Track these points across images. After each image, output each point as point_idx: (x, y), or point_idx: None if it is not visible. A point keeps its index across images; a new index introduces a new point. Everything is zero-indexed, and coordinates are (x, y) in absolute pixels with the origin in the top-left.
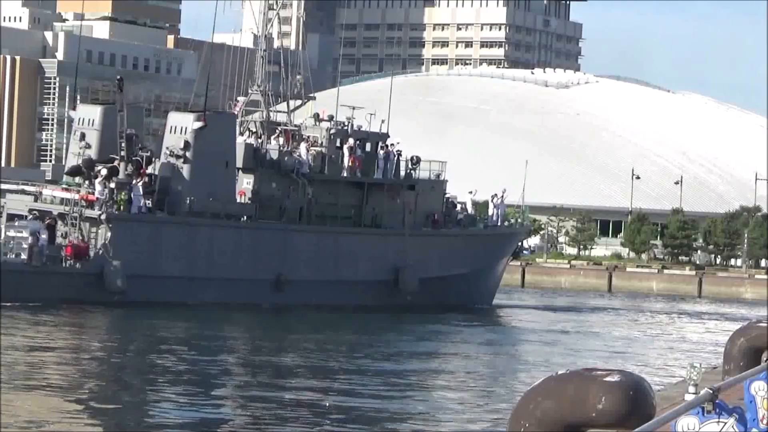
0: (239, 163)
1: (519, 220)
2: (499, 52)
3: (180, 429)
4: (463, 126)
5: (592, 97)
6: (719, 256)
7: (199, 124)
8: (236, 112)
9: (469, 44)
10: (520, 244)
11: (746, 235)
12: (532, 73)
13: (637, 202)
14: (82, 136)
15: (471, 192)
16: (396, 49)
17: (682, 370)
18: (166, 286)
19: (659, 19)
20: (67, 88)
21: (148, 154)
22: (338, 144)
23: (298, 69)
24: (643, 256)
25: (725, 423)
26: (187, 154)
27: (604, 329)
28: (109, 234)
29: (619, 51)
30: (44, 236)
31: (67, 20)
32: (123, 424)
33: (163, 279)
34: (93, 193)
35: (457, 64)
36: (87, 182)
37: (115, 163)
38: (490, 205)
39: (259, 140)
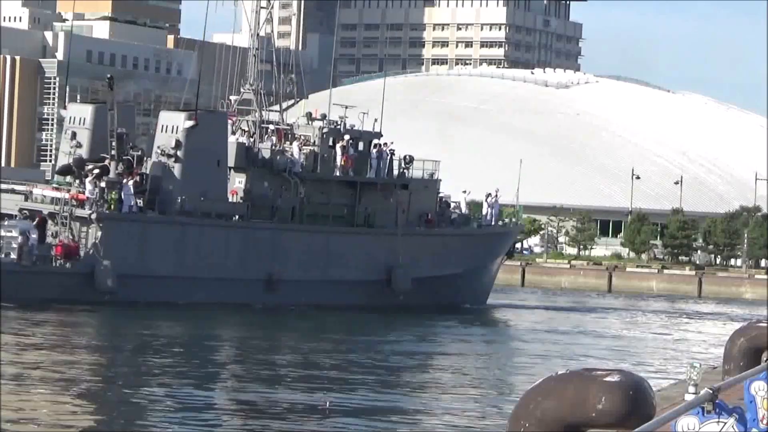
0: (231, 163)
1: (513, 220)
2: (499, 52)
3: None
4: (462, 126)
5: (592, 97)
6: (719, 256)
7: (190, 123)
8: (228, 112)
9: (469, 44)
10: (520, 244)
11: (746, 235)
12: (532, 73)
13: (637, 202)
14: (73, 135)
15: (465, 191)
16: (396, 49)
17: (682, 370)
18: (156, 286)
19: (659, 19)
20: (67, 88)
21: (139, 153)
22: (331, 143)
23: (290, 68)
24: (643, 256)
25: (725, 423)
26: (179, 153)
27: (604, 329)
28: (99, 233)
29: (619, 51)
30: (34, 236)
31: (67, 20)
32: (112, 424)
33: (153, 279)
34: (83, 193)
35: (457, 64)
36: (77, 181)
37: (106, 162)
38: (484, 205)
39: (252, 139)
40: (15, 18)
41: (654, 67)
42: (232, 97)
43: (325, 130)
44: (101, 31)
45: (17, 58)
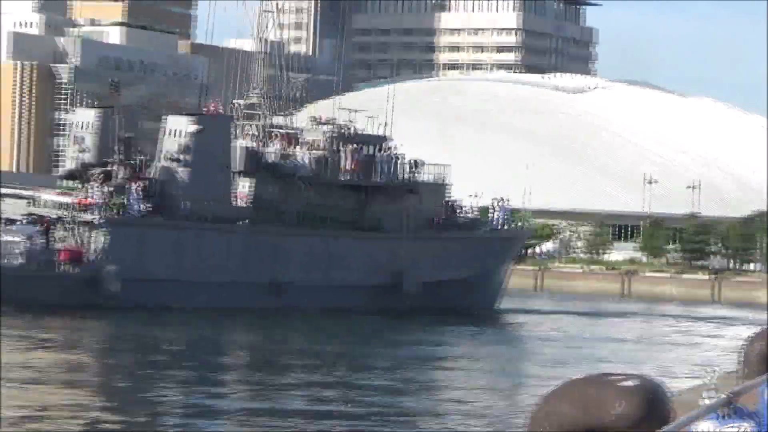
0: (238, 167)
1: (522, 224)
2: (512, 57)
3: None
4: (475, 130)
5: (606, 101)
6: (735, 261)
7: (195, 127)
8: (232, 115)
9: (482, 49)
10: (538, 248)
11: (763, 239)
12: (546, 77)
13: (652, 206)
14: (79, 140)
15: (473, 196)
16: (410, 54)
17: (699, 375)
18: (162, 290)
19: (673, 23)
20: (79, 94)
21: (146, 157)
22: (338, 147)
23: (297, 71)
24: (659, 260)
25: (743, 428)
26: (185, 157)
27: (620, 333)
28: (105, 238)
29: (632, 55)
30: (39, 240)
31: (81, 26)
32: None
33: (158, 283)
34: (89, 197)
35: (470, 69)
36: (83, 186)
37: (111, 166)
38: (492, 209)
39: (259, 144)
40: (28, 23)
41: (668, 71)
42: (238, 101)
43: (332, 134)
44: (114, 36)
45: (30, 63)
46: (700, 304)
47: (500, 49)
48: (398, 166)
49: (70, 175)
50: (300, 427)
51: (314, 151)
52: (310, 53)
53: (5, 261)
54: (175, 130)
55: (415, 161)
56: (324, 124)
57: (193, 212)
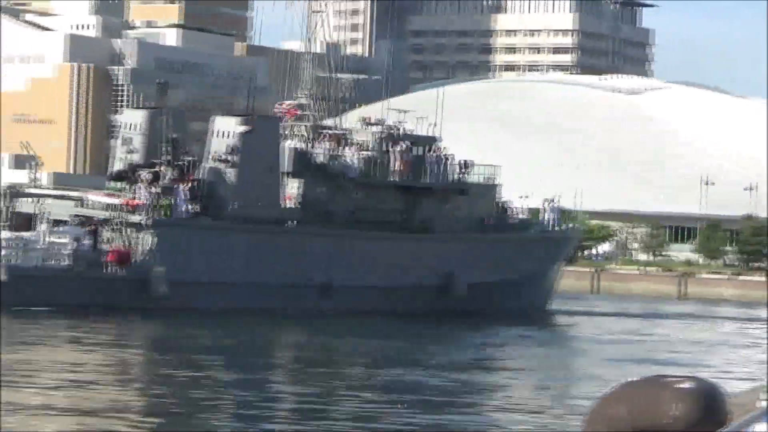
0: (286, 168)
1: (572, 225)
2: (568, 59)
3: None
4: (527, 132)
5: (662, 102)
6: None
7: (244, 128)
8: (281, 111)
9: (538, 50)
10: (595, 250)
11: None
12: (602, 79)
13: (709, 208)
14: (127, 141)
15: (524, 197)
16: (466, 55)
17: (757, 376)
18: (210, 292)
19: (731, 24)
20: (136, 95)
21: (194, 158)
22: (387, 148)
23: (347, 71)
24: (716, 262)
25: None
26: (233, 158)
27: (677, 335)
28: (152, 239)
29: (689, 56)
30: (87, 242)
31: (137, 28)
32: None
33: (207, 285)
34: (136, 198)
35: (526, 70)
36: (130, 187)
37: (159, 167)
38: (543, 210)
39: (308, 144)
40: (85, 26)
41: (725, 73)
42: (286, 102)
43: (381, 134)
44: (171, 38)
45: (87, 65)
46: (757, 306)
47: (556, 50)
48: (448, 166)
49: (118, 176)
50: (355, 428)
51: (363, 152)
52: (366, 55)
53: (53, 262)
54: (223, 131)
55: (465, 162)
56: (373, 124)
57: (241, 213)
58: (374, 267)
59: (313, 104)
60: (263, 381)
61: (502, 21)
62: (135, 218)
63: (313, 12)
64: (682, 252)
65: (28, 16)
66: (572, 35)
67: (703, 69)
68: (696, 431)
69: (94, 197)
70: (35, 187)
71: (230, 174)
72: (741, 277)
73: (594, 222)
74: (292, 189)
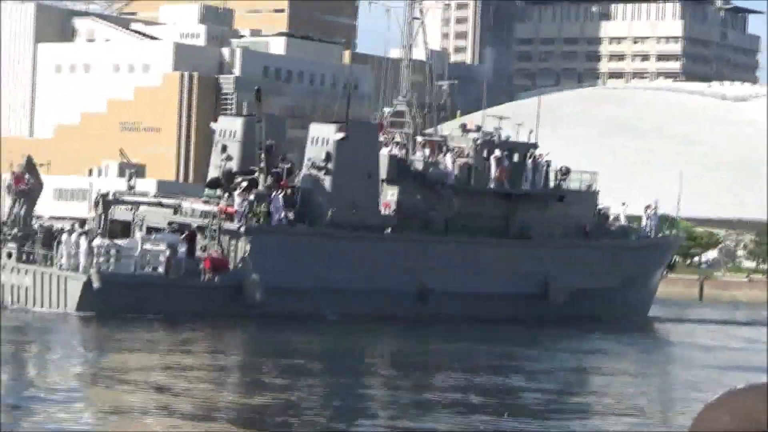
0: (383, 175)
1: (673, 232)
2: (675, 66)
3: None
4: (636, 138)
5: None
6: None
7: (340, 135)
8: (381, 123)
9: (645, 57)
10: (701, 258)
11: None
12: (709, 86)
13: None
14: (223, 148)
15: (624, 204)
16: (572, 62)
17: None
18: (305, 299)
19: None
20: (244, 104)
21: (289, 165)
22: (485, 155)
23: (447, 79)
24: None
25: None
26: (329, 165)
27: None
28: (248, 247)
29: None
30: (182, 249)
31: (244, 36)
32: None
33: (302, 292)
34: (232, 206)
35: (632, 77)
36: (226, 194)
37: (255, 174)
38: (643, 216)
39: (405, 151)
40: (193, 35)
41: None
42: (386, 109)
43: (479, 141)
44: (277, 47)
45: (195, 74)
46: None
47: (663, 57)
48: (546, 173)
49: (214, 184)
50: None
51: (461, 159)
52: (472, 62)
53: (148, 270)
54: (320, 138)
55: (564, 168)
56: (471, 131)
57: (337, 220)
58: (471, 273)
59: (410, 111)
60: (361, 385)
61: (609, 28)
62: (231, 225)
63: (414, 19)
64: None
65: (136, 25)
66: (679, 42)
67: None
68: None
69: (190, 204)
70: (133, 194)
71: (326, 181)
72: None
73: (700, 229)
74: (390, 196)
